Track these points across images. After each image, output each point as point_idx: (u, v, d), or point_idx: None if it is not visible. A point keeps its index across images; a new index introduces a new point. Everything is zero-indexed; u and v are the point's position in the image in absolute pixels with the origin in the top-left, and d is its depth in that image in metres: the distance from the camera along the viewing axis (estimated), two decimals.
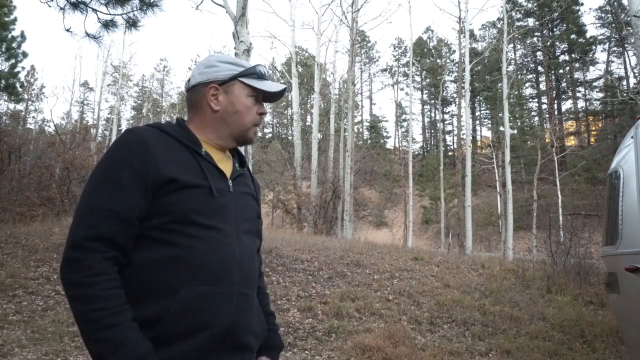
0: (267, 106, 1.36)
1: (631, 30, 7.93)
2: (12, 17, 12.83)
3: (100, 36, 5.92)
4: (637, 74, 28.30)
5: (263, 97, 1.15)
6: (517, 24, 32.78)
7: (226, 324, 0.96)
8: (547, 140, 26.92)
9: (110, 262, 0.91)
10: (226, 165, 1.11)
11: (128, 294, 0.92)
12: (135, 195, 0.94)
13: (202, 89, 1.10)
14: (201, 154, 1.04)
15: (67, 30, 5.71)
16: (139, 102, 43.85)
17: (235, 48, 6.11)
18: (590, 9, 62.72)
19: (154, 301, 0.92)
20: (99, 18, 5.87)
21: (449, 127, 44.83)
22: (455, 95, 35.39)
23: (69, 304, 0.91)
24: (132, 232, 0.95)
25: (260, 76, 1.12)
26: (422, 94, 47.65)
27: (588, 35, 35.03)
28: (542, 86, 38.80)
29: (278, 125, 50.45)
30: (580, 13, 35.34)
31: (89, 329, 0.87)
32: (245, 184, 1.15)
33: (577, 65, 35.87)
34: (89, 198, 0.95)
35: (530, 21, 35.42)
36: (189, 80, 1.14)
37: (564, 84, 38.04)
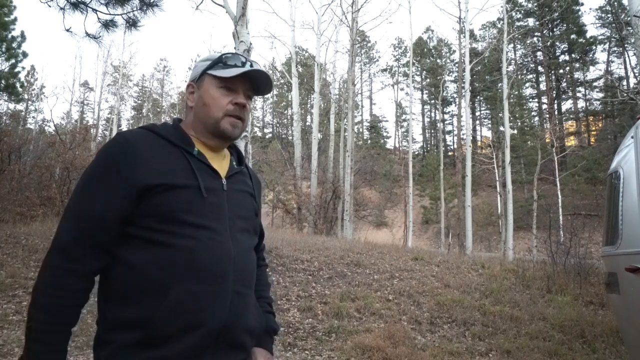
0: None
1: (631, 30, 7.93)
2: (12, 17, 12.84)
3: (100, 36, 5.93)
4: (637, 74, 28.29)
5: (249, 86, 1.10)
6: (517, 24, 32.84)
7: (220, 322, 0.96)
8: (547, 140, 26.90)
9: (78, 277, 0.92)
10: (221, 164, 1.11)
11: (119, 293, 0.93)
12: (120, 199, 0.95)
13: (186, 90, 1.16)
14: (193, 153, 1.05)
15: (67, 30, 5.72)
16: (139, 102, 43.79)
17: (235, 48, 6.09)
18: (590, 9, 62.58)
19: (145, 300, 0.92)
20: (99, 18, 5.87)
21: (449, 127, 44.90)
22: (455, 95, 35.48)
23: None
24: (112, 236, 0.95)
25: (227, 64, 1.08)
26: (422, 94, 47.67)
27: (588, 35, 35.07)
28: (542, 86, 38.83)
29: (278, 125, 50.44)
30: (580, 13, 35.36)
31: (27, 333, 0.90)
32: (243, 181, 1.15)
33: (577, 65, 35.90)
34: (73, 202, 0.97)
35: (530, 21, 35.49)
36: None
37: (564, 84, 38.03)
